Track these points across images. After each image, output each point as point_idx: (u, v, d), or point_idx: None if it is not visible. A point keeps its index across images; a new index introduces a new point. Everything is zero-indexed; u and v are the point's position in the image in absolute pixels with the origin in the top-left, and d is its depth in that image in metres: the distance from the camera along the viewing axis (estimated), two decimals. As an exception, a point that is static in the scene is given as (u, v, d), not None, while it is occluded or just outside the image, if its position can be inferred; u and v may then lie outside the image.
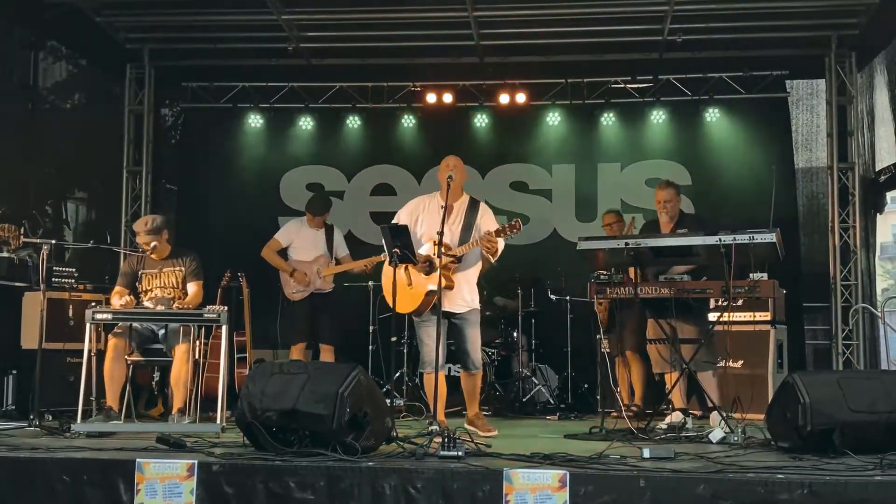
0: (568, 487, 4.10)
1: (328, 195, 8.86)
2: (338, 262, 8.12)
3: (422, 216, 6.32)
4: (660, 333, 6.51)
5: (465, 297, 6.26)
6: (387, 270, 6.29)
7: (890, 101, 9.70)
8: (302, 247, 8.09)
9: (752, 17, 9.33)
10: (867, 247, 10.15)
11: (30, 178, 9.72)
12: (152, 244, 6.79)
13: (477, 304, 6.38)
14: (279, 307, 8.23)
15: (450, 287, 6.08)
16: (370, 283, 8.50)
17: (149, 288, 6.84)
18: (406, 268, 6.20)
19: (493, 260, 6.23)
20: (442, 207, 5.97)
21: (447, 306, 6.16)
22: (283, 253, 8.14)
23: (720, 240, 5.89)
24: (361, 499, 4.23)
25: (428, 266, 6.05)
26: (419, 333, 6.39)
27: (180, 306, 6.52)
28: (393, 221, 6.34)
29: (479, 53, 10.22)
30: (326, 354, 7.88)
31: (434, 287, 5.92)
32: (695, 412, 7.59)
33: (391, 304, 6.12)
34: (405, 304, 6.24)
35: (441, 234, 5.80)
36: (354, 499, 4.23)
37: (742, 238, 5.85)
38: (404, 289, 6.19)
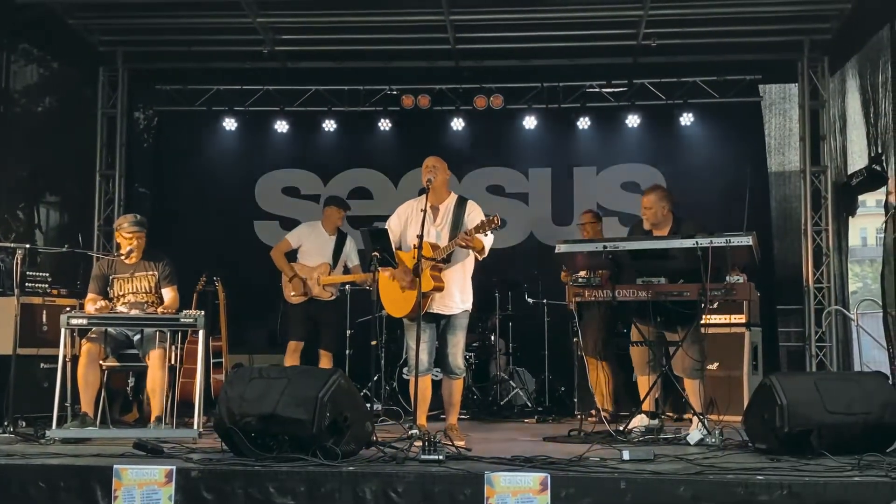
0: (549, 490, 4.10)
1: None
2: (346, 272, 8.10)
3: (409, 220, 6.28)
4: (643, 336, 6.51)
5: (455, 298, 6.17)
6: (383, 276, 6.28)
7: (862, 106, 9.78)
8: (309, 251, 8.09)
9: (725, 22, 9.39)
10: (840, 250, 10.24)
11: (1, 182, 9.61)
12: (136, 239, 6.71)
13: (468, 306, 6.28)
14: (280, 308, 8.22)
15: (439, 289, 6.05)
16: (347, 287, 8.47)
17: (121, 293, 6.73)
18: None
19: (479, 258, 6.19)
20: (422, 211, 5.94)
21: (437, 308, 6.13)
22: (294, 255, 8.12)
23: (697, 243, 5.92)
24: (342, 503, 4.21)
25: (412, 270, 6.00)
26: (407, 337, 6.36)
27: (164, 311, 6.46)
28: (384, 227, 6.32)
29: (455, 57, 10.22)
30: (325, 360, 7.88)
31: (425, 291, 5.89)
32: (670, 414, 7.64)
33: (385, 309, 6.34)
34: (399, 308, 6.20)
35: (420, 237, 5.77)
36: (335, 503, 4.21)
37: (719, 241, 5.88)
38: (398, 293, 6.17)
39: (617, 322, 8.12)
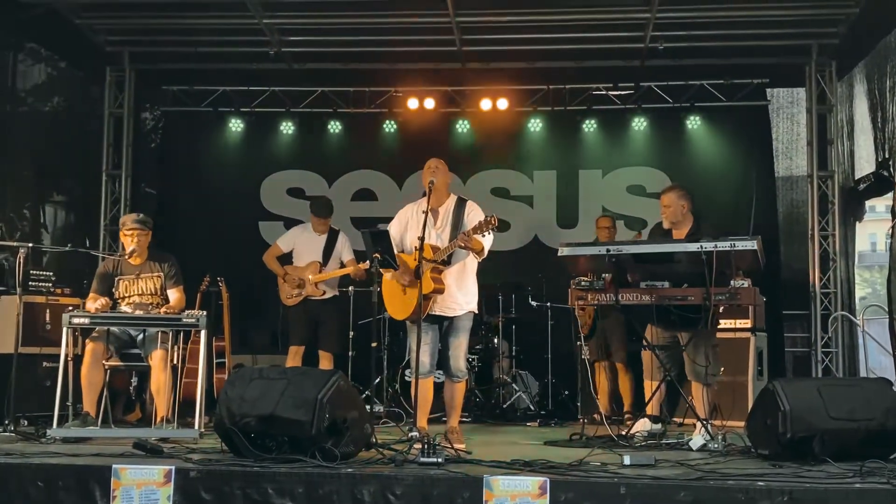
0: (548, 494, 4.08)
1: (328, 199, 8.76)
2: (342, 268, 8.09)
3: (409, 223, 6.25)
4: (657, 340, 6.47)
5: (457, 300, 6.13)
6: (386, 279, 6.27)
7: (869, 110, 9.76)
8: (300, 252, 8.11)
9: (733, 26, 9.36)
10: (846, 255, 10.19)
11: (7, 181, 9.63)
12: (137, 236, 6.70)
13: (472, 307, 6.23)
14: (280, 312, 8.24)
15: (440, 291, 6.02)
16: (350, 288, 8.46)
17: (126, 294, 6.73)
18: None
19: (478, 259, 6.15)
20: (423, 212, 5.92)
21: (439, 310, 6.09)
22: (288, 258, 8.13)
23: (701, 247, 5.88)
24: (340, 505, 4.20)
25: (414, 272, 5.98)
26: (409, 339, 6.33)
27: (167, 311, 6.45)
28: (385, 229, 6.30)
29: (461, 59, 10.20)
30: (324, 362, 7.87)
31: (426, 293, 5.87)
32: (676, 419, 7.59)
33: (387, 312, 6.33)
34: (400, 310, 6.18)
35: (422, 239, 5.75)
36: (333, 505, 4.20)
37: (723, 245, 5.84)
38: (399, 295, 6.14)
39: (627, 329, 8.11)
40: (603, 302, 6.32)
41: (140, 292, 6.72)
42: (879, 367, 9.52)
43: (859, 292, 12.05)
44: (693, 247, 5.95)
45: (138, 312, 6.45)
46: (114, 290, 6.75)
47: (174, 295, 6.75)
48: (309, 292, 7.93)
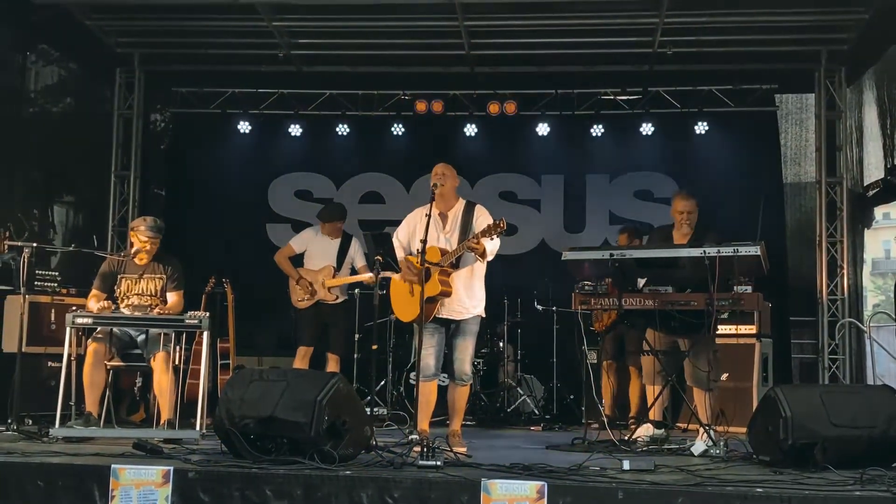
0: (546, 499, 4.07)
1: (340, 205, 8.74)
2: (354, 273, 8.10)
3: (417, 227, 6.24)
4: (657, 345, 6.45)
5: (464, 303, 6.10)
6: (394, 280, 6.27)
7: (878, 117, 9.73)
8: (312, 255, 8.11)
9: (742, 31, 9.35)
10: (854, 262, 10.15)
11: (17, 181, 9.66)
12: (150, 244, 6.70)
13: (480, 311, 6.19)
14: (291, 314, 8.25)
15: (446, 293, 6.01)
16: (356, 290, 8.47)
17: (127, 294, 6.72)
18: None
19: (482, 261, 6.13)
20: (427, 216, 5.92)
21: (445, 313, 6.08)
22: (300, 260, 8.14)
23: (704, 252, 5.87)
24: (338, 508, 4.20)
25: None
26: (416, 342, 6.32)
27: (161, 312, 6.45)
28: (387, 232, 6.31)
29: (469, 63, 10.20)
30: (332, 364, 7.87)
31: (432, 295, 5.86)
32: (681, 424, 7.58)
33: (395, 314, 6.36)
34: (408, 312, 6.17)
35: (424, 241, 5.75)
36: (331, 508, 4.20)
37: (726, 251, 5.83)
38: (407, 297, 6.13)
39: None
40: (606, 307, 6.31)
41: (140, 292, 6.70)
42: (887, 375, 9.48)
43: (872, 299, 12.03)
44: (696, 252, 5.93)
45: (137, 314, 6.45)
46: (115, 287, 6.74)
47: (172, 298, 6.72)
48: (321, 296, 7.94)
